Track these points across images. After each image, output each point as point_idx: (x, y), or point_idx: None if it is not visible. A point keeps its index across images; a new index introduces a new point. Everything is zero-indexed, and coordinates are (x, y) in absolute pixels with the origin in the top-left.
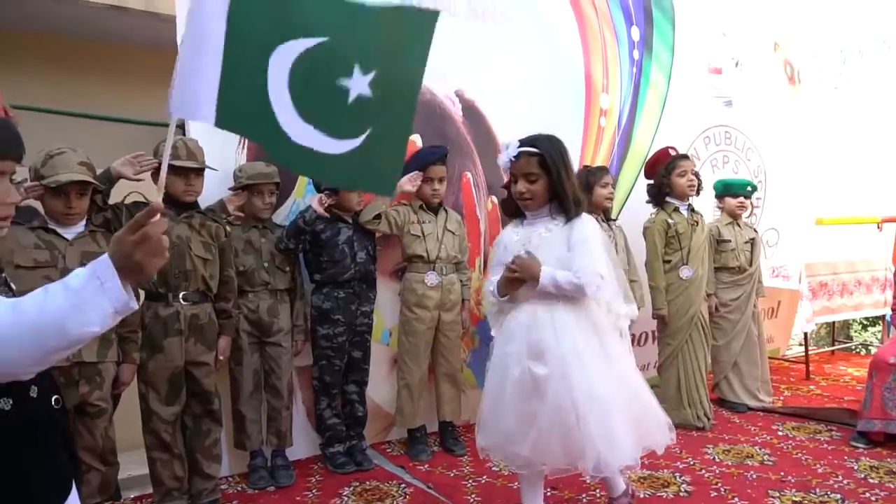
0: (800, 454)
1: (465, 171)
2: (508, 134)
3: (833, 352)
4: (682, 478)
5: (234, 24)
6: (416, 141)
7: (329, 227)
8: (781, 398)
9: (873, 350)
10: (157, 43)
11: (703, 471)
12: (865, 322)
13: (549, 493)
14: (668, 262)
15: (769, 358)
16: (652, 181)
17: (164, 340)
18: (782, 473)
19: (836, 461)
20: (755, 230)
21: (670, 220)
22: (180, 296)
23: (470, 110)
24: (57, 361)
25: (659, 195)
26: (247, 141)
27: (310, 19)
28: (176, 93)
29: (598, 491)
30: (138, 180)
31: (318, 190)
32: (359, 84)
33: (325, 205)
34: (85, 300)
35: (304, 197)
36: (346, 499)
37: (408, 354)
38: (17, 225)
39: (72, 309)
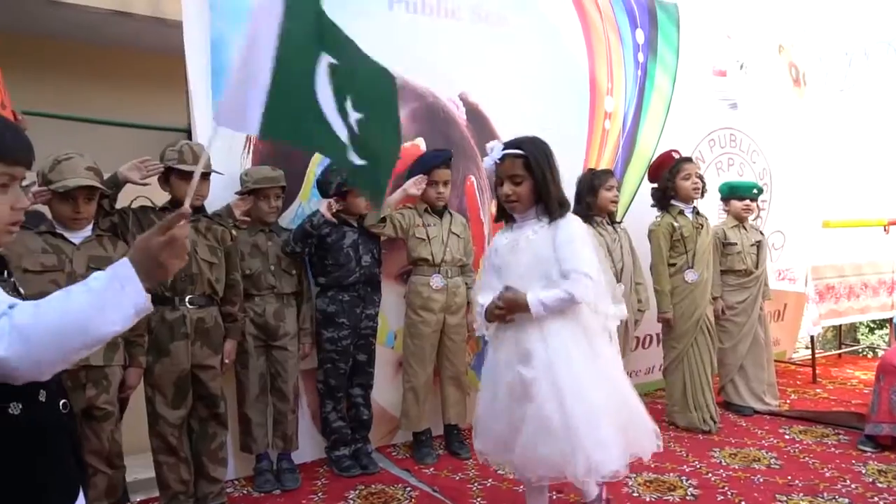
0: (807, 458)
1: (469, 174)
2: (512, 137)
3: (840, 355)
4: (689, 481)
5: (285, 40)
6: (420, 144)
7: (334, 231)
8: (788, 401)
9: (881, 353)
10: (163, 48)
11: (710, 474)
12: (872, 325)
13: (554, 497)
14: (673, 265)
15: (775, 361)
16: (656, 184)
17: (171, 344)
18: (789, 477)
19: (844, 465)
20: (761, 233)
21: (675, 224)
22: (186, 299)
23: (474, 113)
24: (73, 363)
25: (663, 198)
26: (252, 145)
27: (328, 38)
28: (225, 105)
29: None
30: (145, 184)
31: (324, 195)
32: (352, 116)
33: (334, 210)
34: (106, 301)
35: (310, 200)
36: (351, 502)
37: (413, 357)
38: (24, 229)
39: (93, 310)
